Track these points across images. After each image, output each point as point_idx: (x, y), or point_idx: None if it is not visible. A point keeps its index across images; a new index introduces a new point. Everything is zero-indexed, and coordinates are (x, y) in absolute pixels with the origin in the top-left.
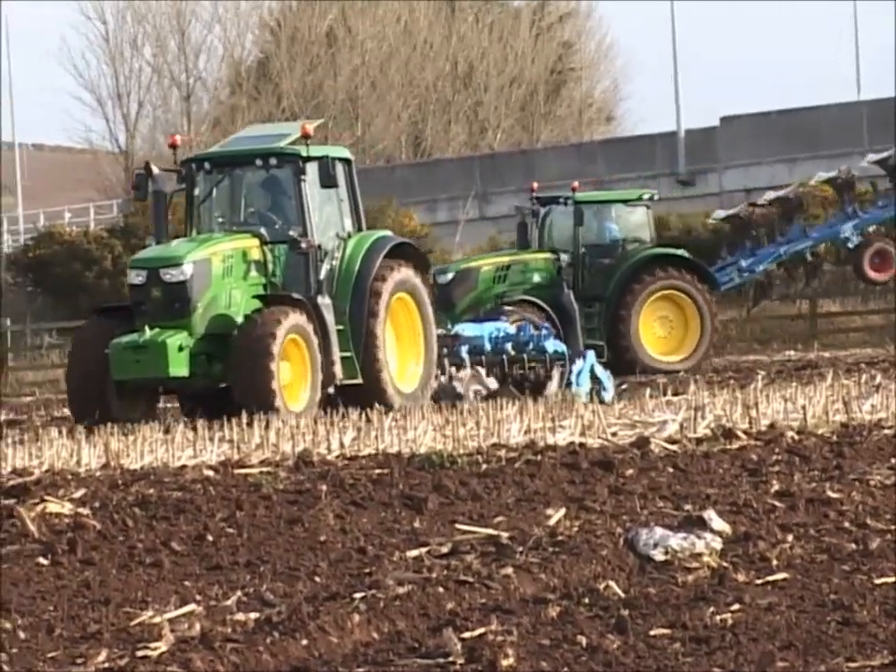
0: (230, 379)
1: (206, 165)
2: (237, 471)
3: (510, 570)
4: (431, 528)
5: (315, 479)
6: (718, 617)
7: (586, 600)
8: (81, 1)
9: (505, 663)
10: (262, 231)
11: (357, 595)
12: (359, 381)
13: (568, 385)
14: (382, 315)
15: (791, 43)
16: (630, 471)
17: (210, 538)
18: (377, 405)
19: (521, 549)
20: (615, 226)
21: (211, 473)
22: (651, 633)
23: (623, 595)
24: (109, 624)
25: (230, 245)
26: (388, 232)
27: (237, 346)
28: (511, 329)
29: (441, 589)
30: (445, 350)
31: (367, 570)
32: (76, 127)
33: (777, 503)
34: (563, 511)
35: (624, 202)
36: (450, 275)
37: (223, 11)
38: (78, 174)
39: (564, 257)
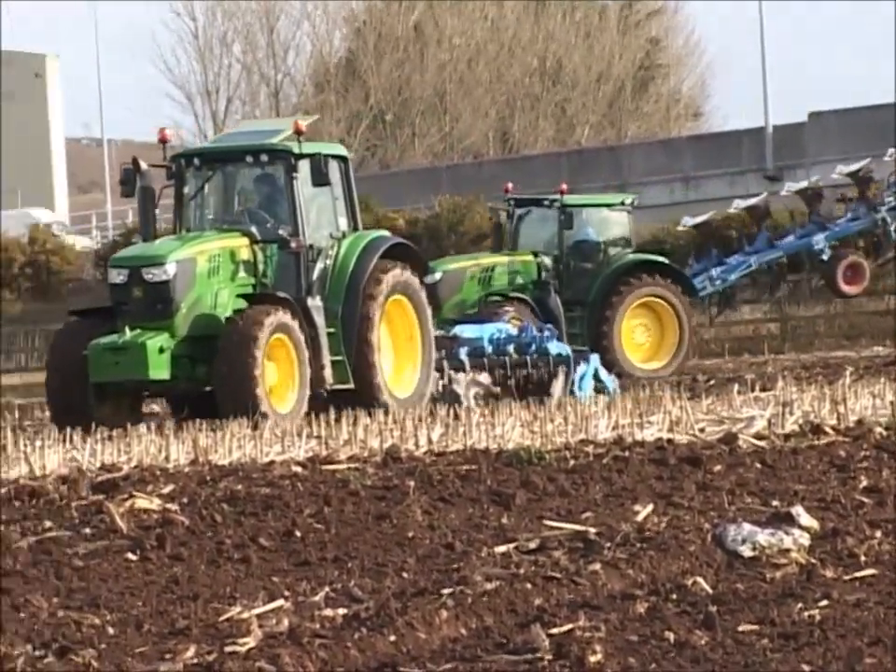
0: (213, 381)
1: (196, 161)
2: (325, 467)
3: (597, 566)
4: (519, 524)
5: (403, 475)
6: (806, 613)
7: (674, 596)
8: None
9: (593, 659)
10: (253, 229)
11: (445, 591)
12: (351, 386)
13: (571, 388)
14: (376, 318)
15: (880, 37)
16: (718, 467)
17: (298, 533)
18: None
19: (609, 545)
20: (597, 230)
21: (299, 469)
22: (739, 629)
23: (710, 591)
24: (198, 620)
25: (217, 244)
26: (385, 232)
27: (219, 346)
28: (513, 331)
29: (528, 585)
30: (443, 352)
31: (455, 566)
32: (165, 123)
33: (864, 499)
34: (651, 506)
35: (608, 206)
36: (438, 276)
37: (312, 8)
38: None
39: (545, 259)
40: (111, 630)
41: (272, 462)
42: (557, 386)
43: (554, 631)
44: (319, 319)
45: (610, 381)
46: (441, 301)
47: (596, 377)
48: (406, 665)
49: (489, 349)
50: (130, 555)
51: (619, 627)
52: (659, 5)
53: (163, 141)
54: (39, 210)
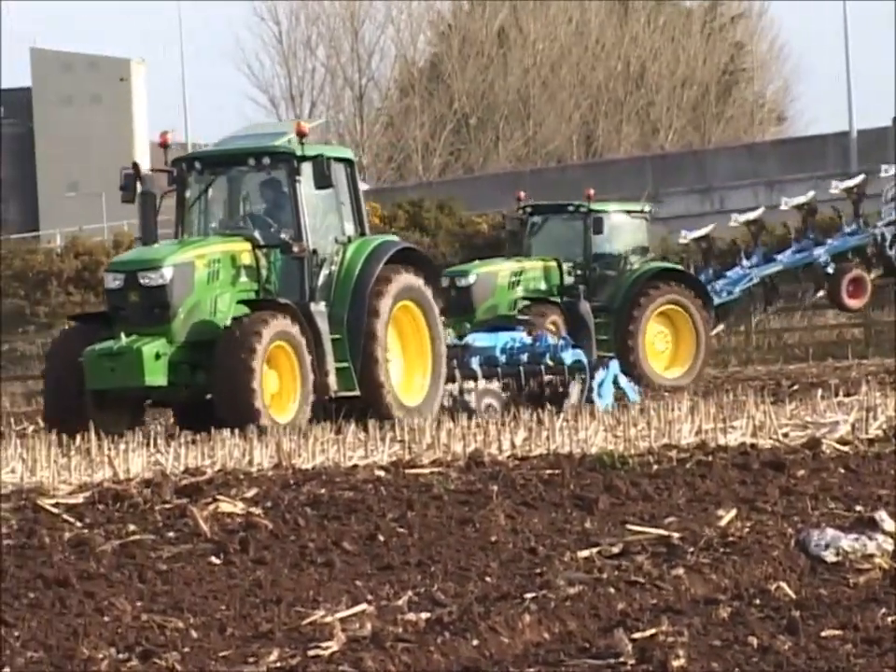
0: (211, 389)
1: (197, 165)
2: (408, 471)
3: (681, 571)
4: (602, 529)
5: (486, 479)
6: (889, 618)
7: (757, 601)
8: (255, 2)
9: (676, 663)
10: (256, 234)
11: (528, 596)
12: (357, 393)
13: (590, 397)
14: (382, 323)
15: None
16: (801, 472)
17: (381, 537)
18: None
19: (692, 549)
20: (620, 237)
21: (382, 473)
22: (823, 634)
23: (794, 596)
24: (281, 624)
25: (217, 249)
26: (393, 237)
27: (217, 354)
28: (527, 339)
29: (611, 589)
30: (455, 361)
31: (538, 571)
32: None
33: None
34: (734, 511)
35: (629, 212)
36: (472, 278)
37: (396, 13)
38: None
39: (566, 265)
40: (194, 633)
41: (355, 466)
42: (573, 395)
43: (637, 636)
44: (323, 325)
45: (631, 388)
46: (477, 304)
47: (616, 384)
48: (489, 669)
49: (502, 358)
50: (213, 559)
51: (702, 632)
52: (743, 6)
53: (164, 145)
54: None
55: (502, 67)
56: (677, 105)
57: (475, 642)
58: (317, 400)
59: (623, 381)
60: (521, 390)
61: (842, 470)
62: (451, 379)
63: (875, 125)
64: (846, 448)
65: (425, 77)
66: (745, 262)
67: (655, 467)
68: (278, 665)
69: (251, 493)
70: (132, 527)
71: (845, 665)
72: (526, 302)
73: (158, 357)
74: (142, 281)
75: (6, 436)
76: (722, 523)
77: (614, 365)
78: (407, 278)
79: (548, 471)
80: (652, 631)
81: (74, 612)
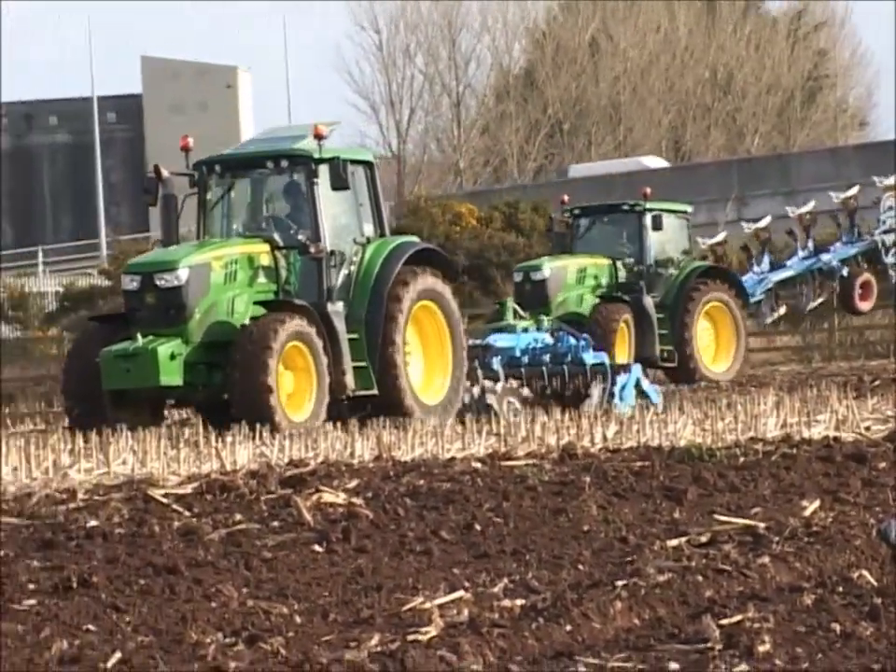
0: (227, 389)
1: (217, 168)
2: (504, 463)
3: (766, 559)
4: (691, 519)
5: (579, 471)
6: None
7: (840, 589)
8: (356, 11)
9: (761, 649)
10: (275, 235)
11: (619, 583)
12: (375, 392)
13: (611, 399)
14: (400, 323)
15: None
16: (883, 464)
17: (478, 527)
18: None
19: (777, 539)
20: (669, 236)
21: (479, 465)
22: None
23: (875, 583)
24: (381, 610)
25: (235, 251)
26: (413, 238)
27: (233, 354)
28: (549, 340)
29: (699, 577)
30: (476, 362)
31: (628, 559)
32: (350, 133)
33: None
34: (818, 502)
35: (674, 212)
36: (546, 272)
37: (492, 21)
38: None
39: (619, 263)
40: (298, 619)
41: (452, 458)
42: (594, 396)
43: (724, 622)
44: (340, 325)
45: (654, 392)
46: (550, 297)
47: (638, 387)
48: (581, 654)
49: (524, 359)
50: (316, 547)
51: (787, 618)
52: (827, 15)
53: (185, 149)
54: (651, 158)
55: (594, 74)
56: (763, 110)
57: (568, 628)
58: (332, 400)
59: (646, 384)
60: (544, 390)
61: None
62: (472, 380)
63: None
64: None
65: (520, 83)
66: (756, 268)
67: (742, 459)
68: (378, 649)
69: (353, 484)
70: (238, 517)
71: None
72: (596, 300)
73: (173, 357)
74: (158, 282)
75: (117, 429)
76: (806, 513)
77: (636, 369)
78: (427, 279)
79: (638, 463)
80: (739, 617)
81: (182, 598)
